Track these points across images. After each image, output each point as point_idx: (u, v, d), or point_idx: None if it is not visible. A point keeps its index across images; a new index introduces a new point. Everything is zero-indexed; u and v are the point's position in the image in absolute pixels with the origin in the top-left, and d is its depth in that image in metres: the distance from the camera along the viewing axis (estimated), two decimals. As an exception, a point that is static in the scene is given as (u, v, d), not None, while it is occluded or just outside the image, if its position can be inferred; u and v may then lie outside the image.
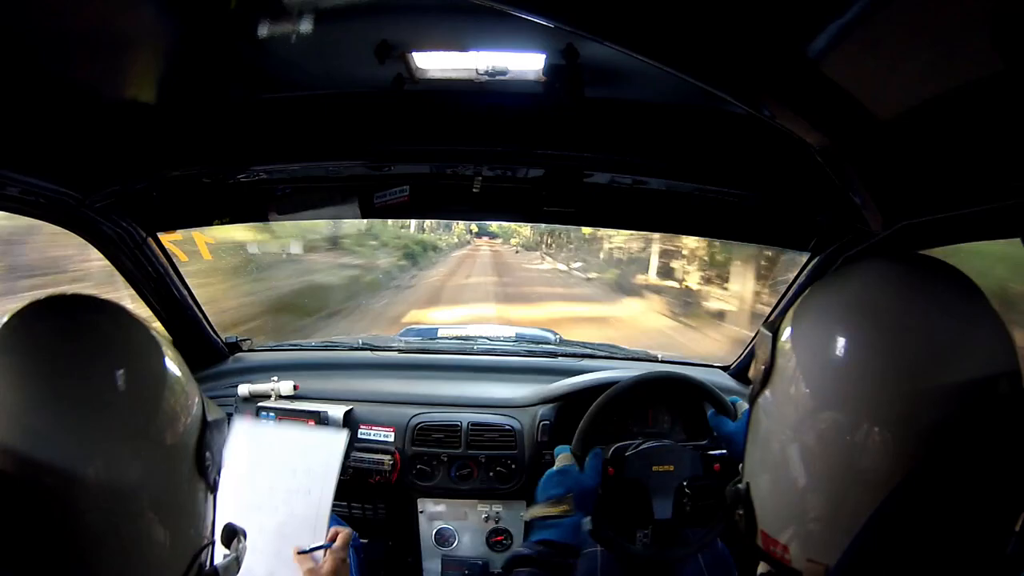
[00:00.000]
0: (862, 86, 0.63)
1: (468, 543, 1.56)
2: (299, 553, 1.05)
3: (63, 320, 0.61)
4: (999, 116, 0.59)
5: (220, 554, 0.74)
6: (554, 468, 1.12)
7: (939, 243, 0.90)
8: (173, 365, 0.64)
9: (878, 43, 0.56)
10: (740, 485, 0.67)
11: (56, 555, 0.54)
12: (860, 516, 0.53)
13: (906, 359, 0.53)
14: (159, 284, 1.47)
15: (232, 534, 0.77)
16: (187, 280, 1.56)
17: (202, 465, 0.65)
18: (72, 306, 0.64)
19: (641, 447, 1.25)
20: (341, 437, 1.18)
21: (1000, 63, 0.51)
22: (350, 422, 1.55)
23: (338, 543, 1.06)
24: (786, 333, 0.62)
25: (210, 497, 0.68)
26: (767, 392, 0.64)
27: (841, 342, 0.57)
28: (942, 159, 0.71)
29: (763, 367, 0.65)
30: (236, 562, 0.74)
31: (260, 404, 1.57)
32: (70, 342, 0.59)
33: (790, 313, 0.64)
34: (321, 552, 1.05)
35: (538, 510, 1.05)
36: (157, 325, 1.58)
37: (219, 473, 0.69)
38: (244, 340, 1.84)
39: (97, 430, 0.56)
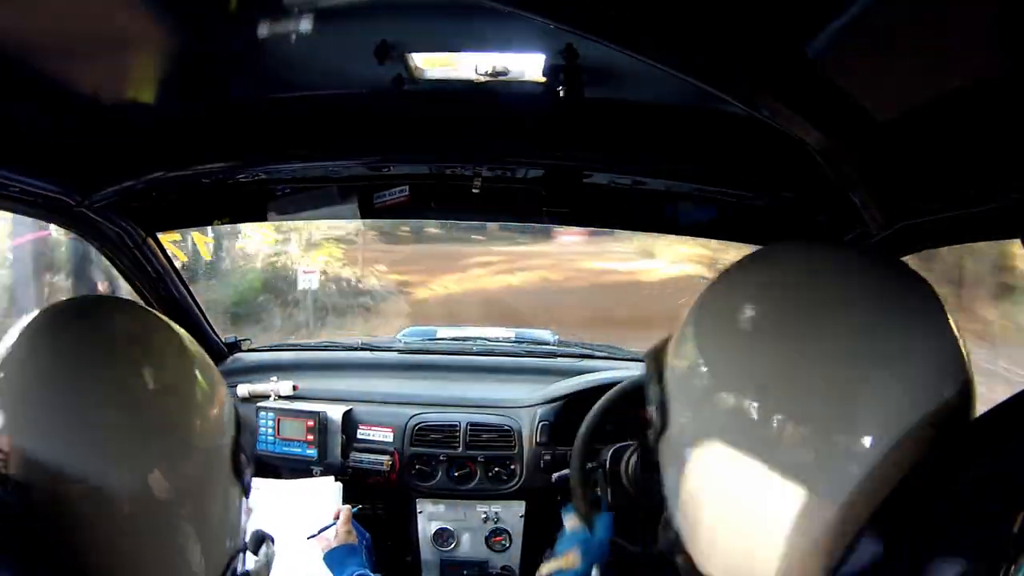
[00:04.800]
0: (862, 86, 0.63)
1: (467, 543, 1.56)
2: (309, 538, 1.19)
3: (89, 322, 0.58)
4: (999, 116, 0.59)
5: (250, 560, 0.73)
6: (564, 531, 1.10)
7: (939, 243, 0.90)
8: (203, 365, 0.61)
9: (878, 43, 0.56)
10: (670, 533, 0.60)
11: (81, 569, 0.51)
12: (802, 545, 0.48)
13: (831, 347, 0.48)
14: (158, 284, 1.47)
15: (260, 540, 0.75)
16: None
17: (238, 468, 0.62)
18: (97, 308, 0.61)
19: (640, 448, 1.25)
20: (336, 488, 1.30)
21: (1000, 63, 0.51)
22: (349, 422, 1.55)
23: (342, 518, 1.20)
24: (687, 334, 0.56)
25: (244, 501, 0.66)
26: (668, 432, 0.57)
27: (754, 324, 0.51)
28: (942, 159, 0.71)
29: (655, 408, 0.58)
30: (267, 567, 0.73)
31: (260, 404, 1.57)
32: (96, 344, 0.56)
33: (689, 315, 0.57)
34: (331, 530, 1.19)
35: (546, 568, 1.03)
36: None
37: (251, 476, 0.67)
38: (243, 340, 1.84)
39: (127, 438, 0.53)
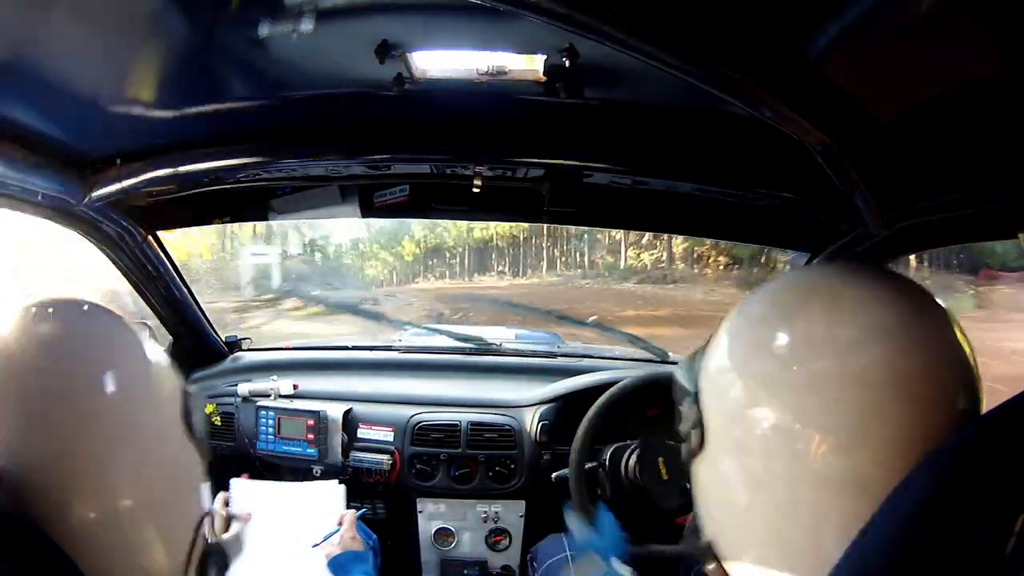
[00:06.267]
0: (862, 86, 0.63)
1: (467, 543, 1.56)
2: (314, 547, 1.16)
3: (48, 325, 0.60)
4: (998, 116, 0.59)
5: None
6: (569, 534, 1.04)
7: (939, 243, 0.91)
8: (155, 355, 0.65)
9: (878, 43, 0.56)
10: (702, 540, 0.61)
11: (50, 559, 0.52)
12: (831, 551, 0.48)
13: (860, 363, 0.49)
14: (159, 283, 1.48)
15: (229, 519, 0.82)
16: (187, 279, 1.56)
17: (192, 434, 0.66)
18: (55, 310, 0.63)
19: (639, 448, 1.25)
20: (339, 492, 1.28)
21: (1000, 63, 0.51)
22: (349, 421, 1.55)
23: (345, 524, 1.18)
24: (719, 353, 0.56)
25: (201, 465, 0.69)
26: (707, 454, 0.57)
27: (789, 339, 0.52)
28: (942, 159, 0.71)
29: (691, 428, 0.58)
30: (238, 539, 0.75)
31: (260, 404, 1.57)
32: (54, 347, 0.58)
33: (722, 331, 0.57)
34: (335, 536, 1.17)
35: None
36: (156, 323, 1.58)
37: (206, 439, 0.71)
38: (244, 339, 1.84)
39: (85, 433, 0.55)
